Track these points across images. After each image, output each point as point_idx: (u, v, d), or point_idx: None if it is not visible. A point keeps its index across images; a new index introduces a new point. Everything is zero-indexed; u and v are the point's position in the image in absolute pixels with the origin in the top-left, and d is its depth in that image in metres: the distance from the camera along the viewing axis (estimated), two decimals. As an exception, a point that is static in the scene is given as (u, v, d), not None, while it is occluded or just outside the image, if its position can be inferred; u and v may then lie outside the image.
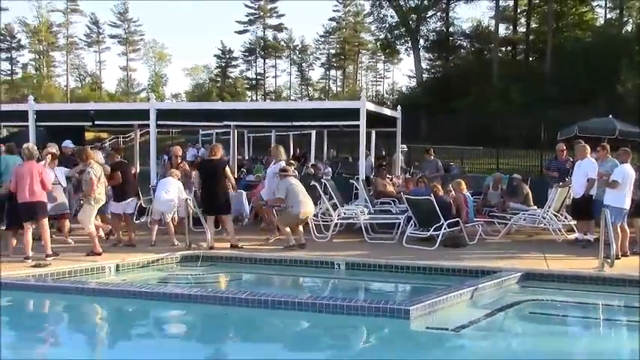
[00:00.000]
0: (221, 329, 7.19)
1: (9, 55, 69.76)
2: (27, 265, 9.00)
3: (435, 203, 10.61)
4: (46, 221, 9.62)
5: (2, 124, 22.83)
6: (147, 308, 7.66)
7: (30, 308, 8.13)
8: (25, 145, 9.90)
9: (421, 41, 49.20)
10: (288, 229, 10.49)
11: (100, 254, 9.78)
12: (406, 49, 51.95)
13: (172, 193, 10.78)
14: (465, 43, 51.25)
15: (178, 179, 11.03)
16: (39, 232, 9.72)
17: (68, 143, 12.85)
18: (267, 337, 6.93)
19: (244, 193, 12.86)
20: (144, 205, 11.83)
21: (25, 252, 9.34)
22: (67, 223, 11.14)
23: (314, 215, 11.37)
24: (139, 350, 6.45)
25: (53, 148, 11.39)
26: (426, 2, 47.55)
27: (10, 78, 70.09)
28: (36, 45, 70.47)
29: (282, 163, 11.34)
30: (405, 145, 18.45)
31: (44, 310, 8.21)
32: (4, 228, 10.22)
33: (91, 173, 9.86)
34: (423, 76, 48.85)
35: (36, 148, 9.99)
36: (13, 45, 69.34)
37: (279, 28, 73.19)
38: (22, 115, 14.01)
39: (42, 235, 9.56)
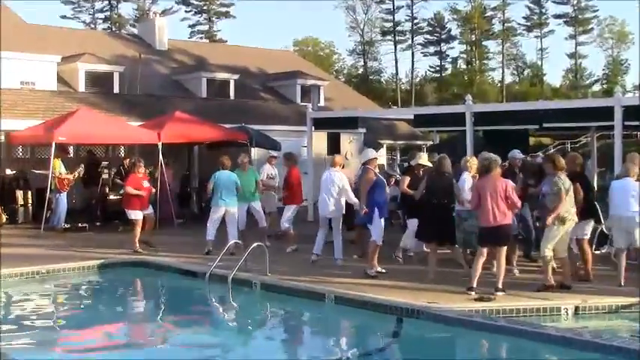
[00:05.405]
0: None
1: (437, 49, 62.33)
2: (469, 298, 7.96)
3: None
4: (505, 249, 8.30)
5: (435, 129, 20.24)
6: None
7: (480, 348, 7.15)
8: (483, 155, 8.69)
9: None
10: None
11: (552, 287, 8.16)
12: None
13: None
14: None
15: None
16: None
17: (516, 153, 10.50)
18: None
19: None
20: (605, 232, 9.58)
21: (470, 281, 8.25)
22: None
23: None
24: None
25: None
26: None
27: (438, 75, 63.61)
28: (467, 34, 61.86)
29: None
30: None
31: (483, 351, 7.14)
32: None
33: (559, 184, 8.27)
34: None
35: (495, 157, 8.44)
36: (443, 37, 61.80)
37: None
38: (457, 118, 13.29)
39: (497, 264, 8.27)
